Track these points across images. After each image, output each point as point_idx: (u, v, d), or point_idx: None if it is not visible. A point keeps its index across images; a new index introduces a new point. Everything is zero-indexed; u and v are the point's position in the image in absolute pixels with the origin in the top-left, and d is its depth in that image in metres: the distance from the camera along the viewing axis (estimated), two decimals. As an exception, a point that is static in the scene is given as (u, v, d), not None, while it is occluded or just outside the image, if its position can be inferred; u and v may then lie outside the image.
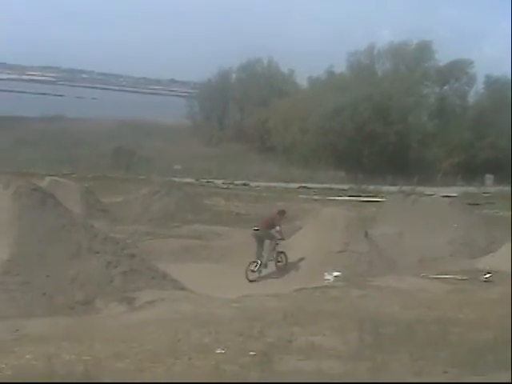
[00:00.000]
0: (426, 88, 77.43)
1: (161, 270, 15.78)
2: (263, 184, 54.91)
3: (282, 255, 21.77)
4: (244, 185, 54.22)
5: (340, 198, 45.80)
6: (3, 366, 7.93)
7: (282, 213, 22.67)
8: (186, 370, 7.78)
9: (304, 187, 53.34)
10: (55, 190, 21.86)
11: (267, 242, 21.67)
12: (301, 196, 47.33)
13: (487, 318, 11.79)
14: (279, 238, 21.76)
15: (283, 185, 54.45)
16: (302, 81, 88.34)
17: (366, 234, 22.71)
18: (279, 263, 21.64)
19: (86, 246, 14.53)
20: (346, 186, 54.57)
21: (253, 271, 21.03)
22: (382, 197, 39.62)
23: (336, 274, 19.28)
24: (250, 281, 20.68)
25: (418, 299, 14.41)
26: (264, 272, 21.01)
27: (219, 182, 54.31)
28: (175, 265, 20.35)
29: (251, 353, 8.56)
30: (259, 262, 21.11)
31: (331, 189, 52.66)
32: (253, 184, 54.80)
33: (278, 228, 21.68)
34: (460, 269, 20.42)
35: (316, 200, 43.19)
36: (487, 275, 18.28)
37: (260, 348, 8.79)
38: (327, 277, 19.05)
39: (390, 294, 15.02)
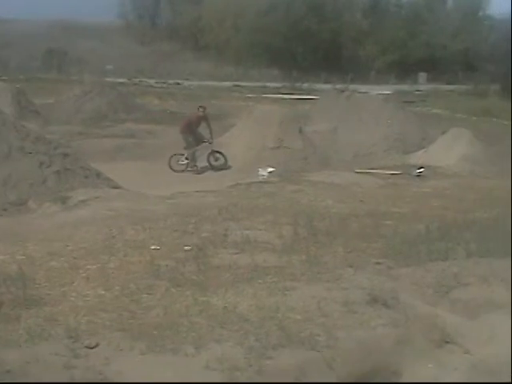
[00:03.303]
0: (361, -14, 76.72)
1: (94, 169, 15.67)
2: (196, 83, 54.36)
3: (217, 155, 21.86)
4: (177, 84, 53.59)
5: (274, 95, 45.62)
6: None
7: (203, 116, 22.61)
8: (121, 266, 7.77)
9: (237, 85, 52.98)
10: (-16, 90, 21.41)
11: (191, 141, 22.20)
12: (234, 94, 47.11)
13: (419, 211, 12.00)
14: (205, 140, 22.24)
15: (216, 83, 53.91)
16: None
17: (301, 131, 22.81)
18: (215, 163, 21.74)
19: (18, 146, 14.33)
20: (279, 84, 54.19)
21: (180, 164, 21.65)
22: (316, 94, 39.56)
23: (270, 169, 19.40)
24: (174, 171, 21.07)
25: (352, 193, 14.58)
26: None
27: (152, 81, 53.69)
28: (109, 164, 20.26)
29: (186, 248, 8.57)
30: (185, 156, 21.87)
31: (265, 87, 52.33)
32: (186, 83, 54.26)
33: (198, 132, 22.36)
34: (393, 164, 20.73)
35: (249, 98, 43.00)
36: (420, 170, 18.60)
37: (195, 243, 8.81)
38: (261, 172, 19.15)
39: (324, 189, 15.15)
